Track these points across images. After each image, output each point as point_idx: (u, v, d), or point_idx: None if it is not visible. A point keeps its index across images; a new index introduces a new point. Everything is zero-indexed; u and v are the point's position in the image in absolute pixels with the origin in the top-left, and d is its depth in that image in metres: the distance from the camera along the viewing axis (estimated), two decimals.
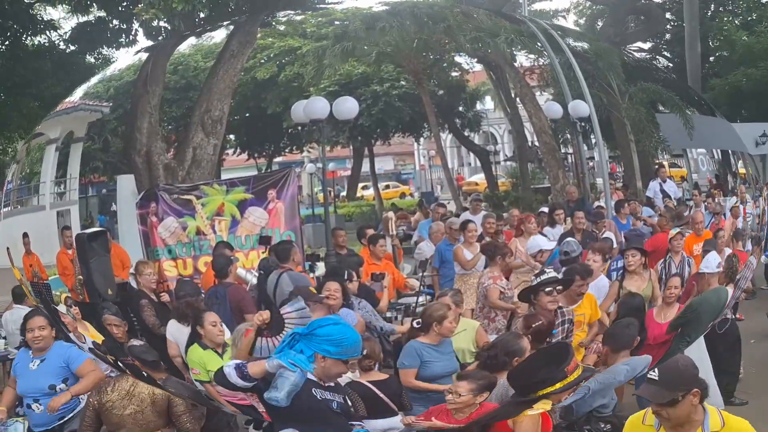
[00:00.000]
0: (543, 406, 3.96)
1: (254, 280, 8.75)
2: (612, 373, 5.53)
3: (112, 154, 30.71)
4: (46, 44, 13.87)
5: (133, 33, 14.57)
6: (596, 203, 13.32)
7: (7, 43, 12.99)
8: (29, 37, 13.54)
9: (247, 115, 29.30)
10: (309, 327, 4.27)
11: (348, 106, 12.00)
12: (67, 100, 25.80)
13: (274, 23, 17.35)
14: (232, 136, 32.66)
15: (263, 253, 9.72)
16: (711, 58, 30.03)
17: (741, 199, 11.92)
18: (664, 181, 13.73)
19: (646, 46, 32.56)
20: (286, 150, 34.75)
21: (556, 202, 12.44)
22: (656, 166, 16.51)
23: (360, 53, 22.41)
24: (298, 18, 26.25)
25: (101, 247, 9.12)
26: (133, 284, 9.15)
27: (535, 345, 5.42)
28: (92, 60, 14.41)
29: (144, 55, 29.19)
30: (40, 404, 5.68)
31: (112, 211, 26.29)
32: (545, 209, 11.02)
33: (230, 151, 37.58)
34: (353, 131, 28.48)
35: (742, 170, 29.14)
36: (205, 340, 6.07)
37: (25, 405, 5.75)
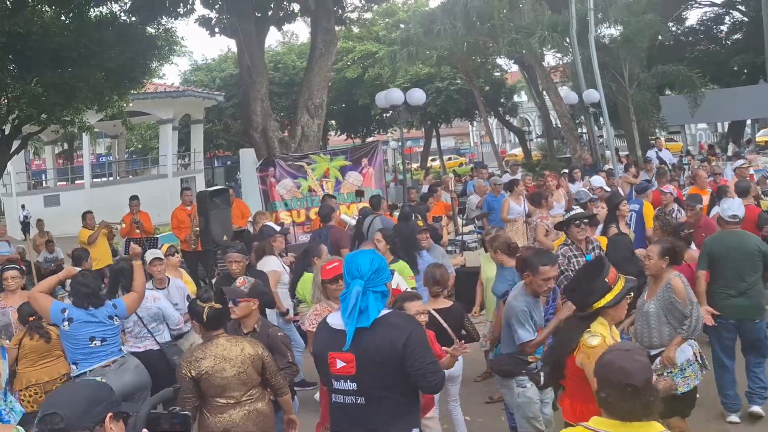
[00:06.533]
0: (600, 329, 3.80)
1: (353, 222, 10.83)
2: None
3: (233, 134, 34.41)
4: (108, 15, 13.41)
5: (190, 2, 14.82)
6: (606, 166, 15.31)
7: (71, 15, 12.63)
8: (92, 8, 13.09)
9: (343, 105, 33.86)
10: (361, 273, 3.47)
11: (418, 95, 15.04)
12: (158, 81, 28.08)
13: (347, 21, 18.63)
14: (333, 122, 36.72)
15: (360, 204, 12.17)
16: None
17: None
18: (660, 150, 15.46)
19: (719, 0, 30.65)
20: (375, 132, 38.93)
21: (573, 165, 14.38)
22: (653, 140, 18.31)
23: (423, 57, 25.66)
24: (366, 15, 28.53)
25: (223, 201, 10.03)
26: (251, 230, 10.53)
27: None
28: (152, 31, 14.00)
29: (231, 44, 29.69)
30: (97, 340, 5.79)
31: (236, 177, 29.44)
32: (566, 171, 12.99)
33: (332, 133, 41.69)
34: (423, 117, 32.29)
35: (765, 138, 27.55)
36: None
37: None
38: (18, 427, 3.18)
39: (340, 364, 3.44)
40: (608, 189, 11.27)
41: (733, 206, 6.30)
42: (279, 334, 4.89)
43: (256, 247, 7.87)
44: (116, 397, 2.47)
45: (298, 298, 6.84)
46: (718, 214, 6.55)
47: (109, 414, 2.35)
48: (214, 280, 8.75)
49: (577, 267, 6.35)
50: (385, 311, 3.51)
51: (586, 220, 6.86)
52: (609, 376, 2.69)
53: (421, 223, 8.77)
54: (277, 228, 8.69)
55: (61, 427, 2.25)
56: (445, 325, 5.29)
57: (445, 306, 5.47)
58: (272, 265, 7.56)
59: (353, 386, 3.43)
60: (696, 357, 5.21)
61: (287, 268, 7.89)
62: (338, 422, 3.60)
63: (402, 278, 6.24)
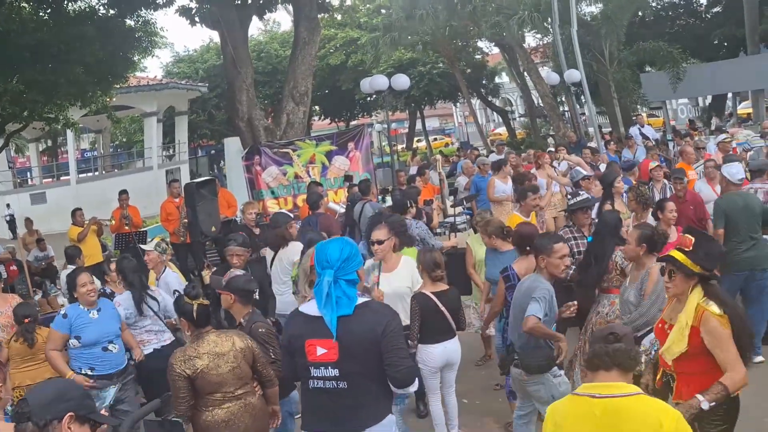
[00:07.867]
0: None
1: (342, 210, 10.75)
2: None
3: (217, 123, 34.17)
4: (87, 9, 13.11)
5: None
6: (590, 143, 15.36)
7: (49, 11, 12.53)
8: (70, 3, 12.96)
9: (327, 91, 33.57)
10: (330, 263, 3.51)
11: (402, 81, 15.05)
12: (141, 75, 27.87)
13: (329, 8, 18.38)
14: (317, 107, 36.53)
15: (348, 189, 11.96)
16: None
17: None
18: (642, 126, 15.49)
19: None
20: (359, 116, 38.83)
21: (558, 143, 14.41)
22: (635, 116, 18.49)
23: (405, 42, 25.76)
24: (348, 1, 28.05)
25: (209, 192, 9.77)
26: (238, 221, 10.35)
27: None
28: (131, 23, 13.72)
29: (213, 34, 29.95)
30: (116, 344, 5.80)
31: (218, 166, 28.95)
32: (552, 149, 12.97)
33: (316, 118, 41.52)
34: (408, 100, 32.37)
35: (747, 110, 27.65)
36: None
37: (101, 349, 5.72)
38: None
39: (320, 351, 3.45)
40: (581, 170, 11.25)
41: (734, 169, 7.27)
42: (260, 330, 4.70)
43: (273, 235, 7.57)
44: (90, 401, 2.58)
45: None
46: (726, 179, 7.39)
47: (70, 413, 2.44)
48: (204, 272, 8.70)
49: (577, 249, 6.25)
50: (364, 299, 3.56)
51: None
52: (597, 334, 3.11)
53: (413, 211, 8.61)
54: (291, 215, 8.52)
55: (25, 411, 2.41)
56: (443, 308, 5.29)
57: (442, 289, 5.43)
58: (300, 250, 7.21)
59: (335, 372, 3.44)
60: None
61: None
62: (317, 405, 3.58)
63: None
